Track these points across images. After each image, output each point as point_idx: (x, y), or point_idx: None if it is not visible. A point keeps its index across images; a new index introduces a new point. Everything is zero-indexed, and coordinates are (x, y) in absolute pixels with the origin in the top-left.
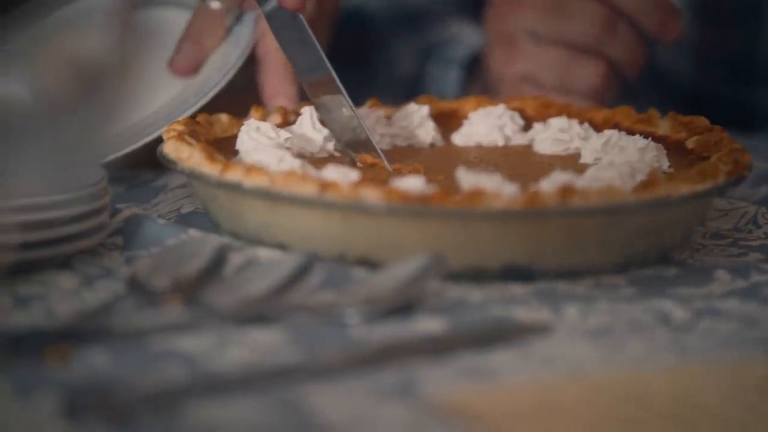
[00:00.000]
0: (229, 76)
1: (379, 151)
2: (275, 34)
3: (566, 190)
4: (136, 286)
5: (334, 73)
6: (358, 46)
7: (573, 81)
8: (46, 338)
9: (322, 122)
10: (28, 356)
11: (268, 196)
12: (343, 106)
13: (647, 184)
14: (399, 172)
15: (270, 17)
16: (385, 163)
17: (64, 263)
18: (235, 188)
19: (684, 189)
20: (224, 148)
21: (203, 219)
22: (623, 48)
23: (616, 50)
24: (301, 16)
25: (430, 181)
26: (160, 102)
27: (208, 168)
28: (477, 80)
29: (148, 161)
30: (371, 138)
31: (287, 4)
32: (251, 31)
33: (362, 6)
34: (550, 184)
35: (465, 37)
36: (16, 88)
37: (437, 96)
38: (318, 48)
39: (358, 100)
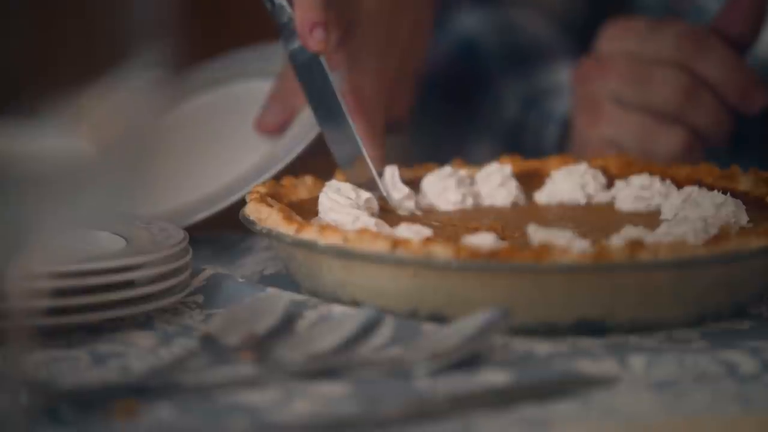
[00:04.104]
0: (314, 133)
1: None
2: (297, 74)
3: (635, 245)
4: (209, 343)
5: (357, 137)
6: (464, 84)
7: (655, 147)
8: (116, 394)
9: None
10: (98, 412)
11: (342, 254)
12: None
13: (718, 238)
14: (476, 231)
15: (293, 57)
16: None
17: (145, 322)
18: (311, 247)
19: (756, 243)
20: (308, 209)
21: (286, 281)
22: (706, 116)
23: (699, 118)
24: (323, 60)
25: (505, 238)
26: (249, 164)
27: (285, 228)
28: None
29: (237, 223)
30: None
31: (309, 45)
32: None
33: (473, 40)
34: (619, 239)
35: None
36: (81, 144)
37: (534, 149)
38: (339, 99)
39: (458, 140)
